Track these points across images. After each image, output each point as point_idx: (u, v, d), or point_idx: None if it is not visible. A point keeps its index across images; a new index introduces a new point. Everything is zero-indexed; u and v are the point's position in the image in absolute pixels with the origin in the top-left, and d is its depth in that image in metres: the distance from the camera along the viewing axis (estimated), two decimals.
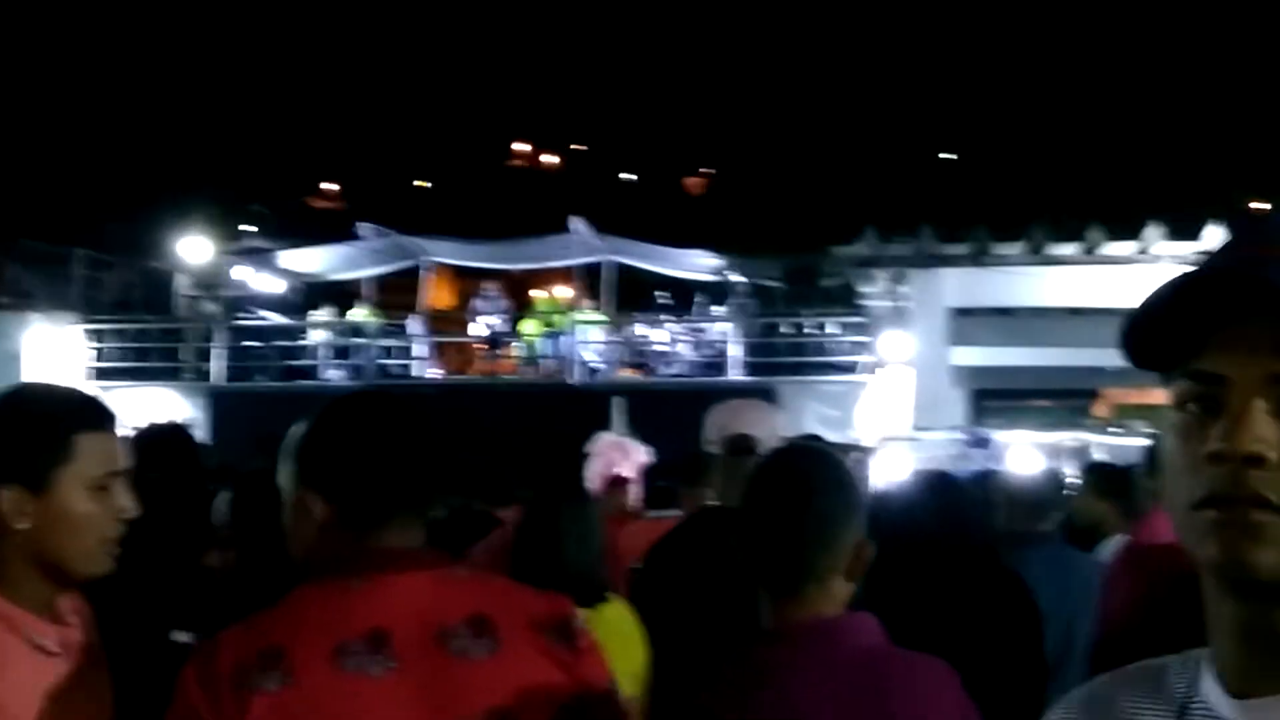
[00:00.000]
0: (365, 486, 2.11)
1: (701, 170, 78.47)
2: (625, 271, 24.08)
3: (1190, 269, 1.08)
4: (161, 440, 4.44)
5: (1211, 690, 1.09)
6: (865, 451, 12.92)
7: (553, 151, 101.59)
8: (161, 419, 19.05)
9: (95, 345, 22.56)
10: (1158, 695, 1.14)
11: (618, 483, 8.23)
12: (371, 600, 2.03)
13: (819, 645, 2.23)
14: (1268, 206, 32.06)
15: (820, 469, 2.41)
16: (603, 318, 22.91)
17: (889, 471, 11.78)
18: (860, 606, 3.12)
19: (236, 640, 2.00)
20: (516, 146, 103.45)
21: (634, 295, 25.29)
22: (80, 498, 2.12)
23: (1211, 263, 1.09)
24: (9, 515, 2.08)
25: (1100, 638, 4.21)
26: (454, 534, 6.11)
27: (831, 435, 8.36)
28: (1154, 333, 1.10)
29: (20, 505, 2.09)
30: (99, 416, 2.21)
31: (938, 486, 4.52)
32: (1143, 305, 1.10)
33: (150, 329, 23.42)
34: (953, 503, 4.48)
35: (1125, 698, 1.17)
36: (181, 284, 25.77)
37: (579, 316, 22.46)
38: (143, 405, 20.38)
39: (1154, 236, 19.08)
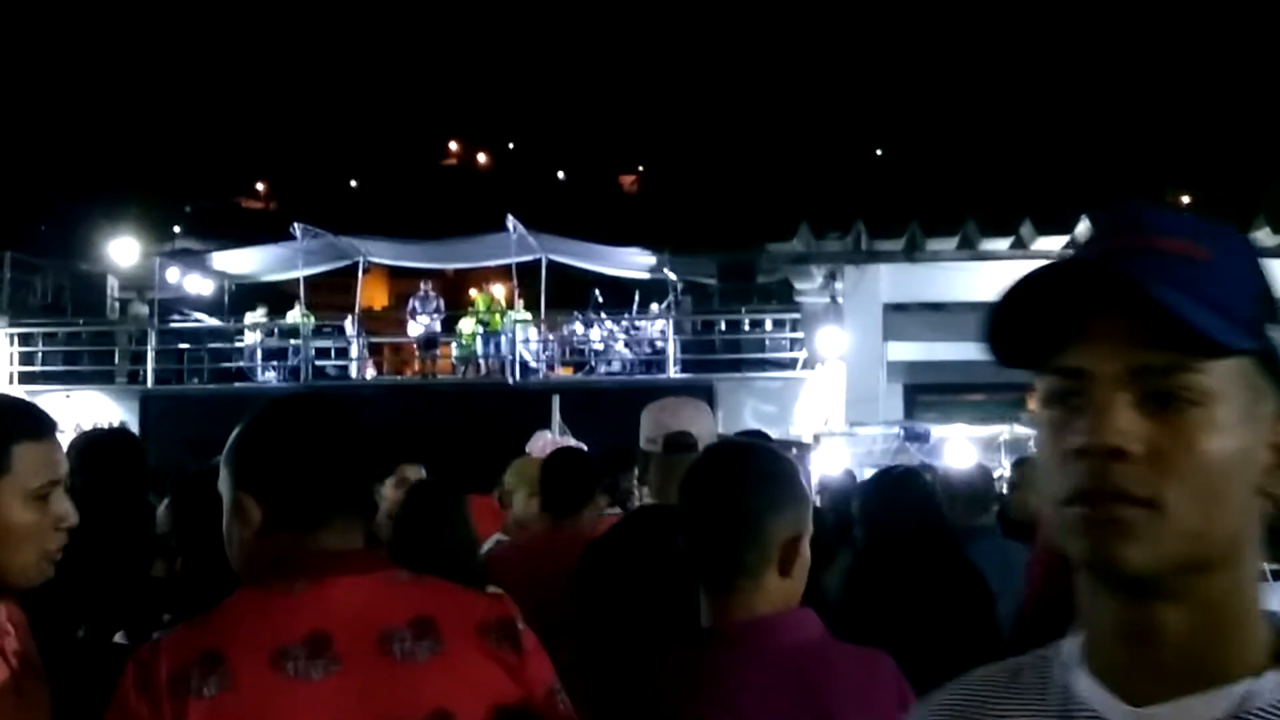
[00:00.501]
0: (301, 487, 2.09)
1: (636, 168, 78.49)
2: (561, 270, 24.06)
3: (1048, 262, 1.07)
4: (106, 445, 4.40)
5: (1094, 693, 1.07)
6: (804, 447, 13.01)
7: (486, 150, 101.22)
8: (103, 423, 18.85)
9: (25, 349, 22.22)
10: (1031, 697, 1.12)
11: None
12: (311, 603, 2.02)
13: (754, 642, 2.24)
14: (1186, 199, 32.56)
15: (752, 464, 2.40)
16: (539, 317, 22.90)
17: (828, 466, 11.87)
18: (848, 595, 3.12)
19: (174, 644, 1.99)
20: (450, 145, 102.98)
21: (570, 294, 25.28)
22: (19, 508, 2.10)
23: (1069, 256, 1.09)
24: None
25: (1015, 623, 4.34)
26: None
27: (770, 431, 8.37)
28: (1015, 330, 1.09)
29: None
30: (37, 426, 2.19)
31: (910, 482, 4.67)
32: (1000, 301, 1.09)
33: (81, 332, 23.09)
34: (926, 497, 4.63)
35: (996, 700, 1.15)
36: (113, 286, 25.48)
37: (515, 316, 22.43)
38: (74, 409, 20.14)
39: (1082, 231, 19.30)
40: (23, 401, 2.30)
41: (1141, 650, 1.04)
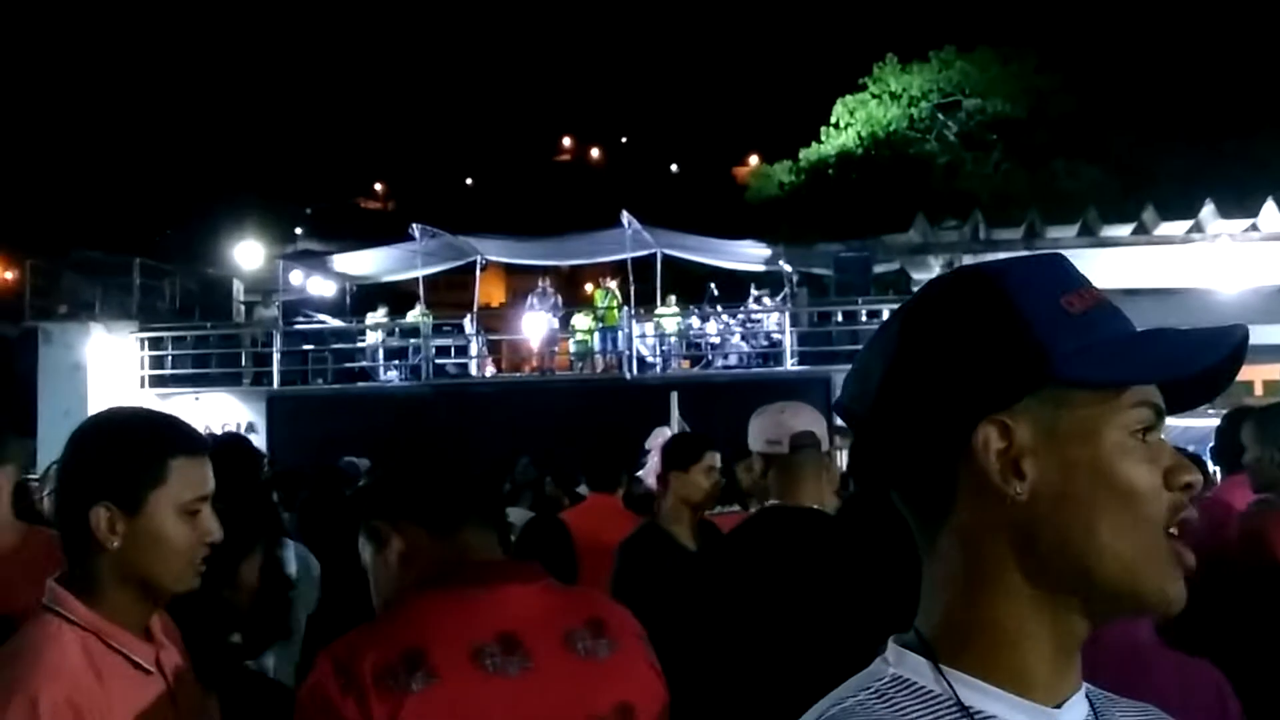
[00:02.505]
0: (453, 503, 2.26)
1: (748, 159, 78.42)
2: (677, 264, 24.09)
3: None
4: (224, 452, 4.49)
5: (1015, 706, 1.10)
6: None
7: (599, 145, 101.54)
8: (230, 425, 19.28)
9: (155, 353, 22.71)
10: (932, 713, 1.12)
11: None
12: (495, 606, 2.14)
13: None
14: None
15: None
16: (657, 311, 22.96)
17: None
18: None
19: (374, 642, 2.07)
20: (563, 141, 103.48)
21: (687, 288, 25.30)
22: (171, 520, 2.17)
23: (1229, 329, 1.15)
24: (102, 534, 2.13)
25: None
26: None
27: None
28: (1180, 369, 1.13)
29: (113, 524, 2.13)
30: (192, 442, 2.26)
31: None
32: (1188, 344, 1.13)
33: (209, 335, 23.56)
34: None
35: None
36: (238, 289, 26.01)
37: (662, 311, 22.53)
38: (203, 411, 20.62)
39: (1208, 215, 18.88)
40: (178, 419, 2.35)
41: (1068, 660, 1.13)
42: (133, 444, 2.20)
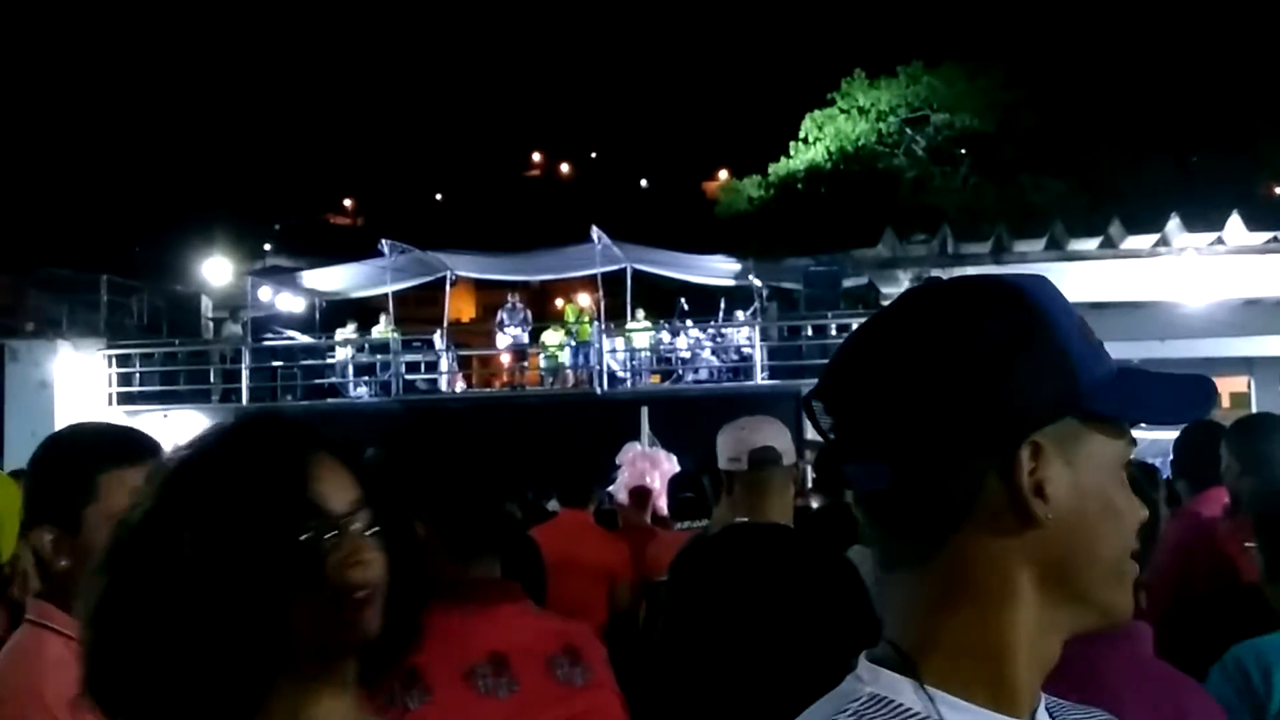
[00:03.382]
0: (468, 517, 2.23)
1: (717, 174, 78.62)
2: (647, 279, 24.14)
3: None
4: None
5: (990, 718, 1.12)
6: None
7: (569, 160, 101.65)
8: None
9: (123, 370, 22.59)
10: None
11: (646, 494, 8.20)
12: (489, 625, 2.15)
13: (1128, 646, 2.32)
14: None
15: None
16: (648, 326, 22.99)
17: None
18: None
19: None
20: (533, 157, 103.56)
21: (656, 302, 25.36)
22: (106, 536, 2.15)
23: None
24: (48, 556, 2.12)
25: None
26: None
27: None
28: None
29: (58, 545, 2.12)
30: (124, 452, 2.20)
31: None
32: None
33: (177, 352, 23.45)
34: None
35: None
36: (207, 306, 25.93)
37: (631, 326, 22.56)
38: (172, 429, 20.50)
39: (1174, 229, 19.04)
40: (113, 428, 2.32)
41: (1043, 674, 1.15)
42: (61, 463, 2.18)
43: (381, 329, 23.28)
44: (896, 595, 1.16)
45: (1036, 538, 1.10)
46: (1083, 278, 19.01)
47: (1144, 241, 19.32)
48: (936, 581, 1.13)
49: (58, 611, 2.12)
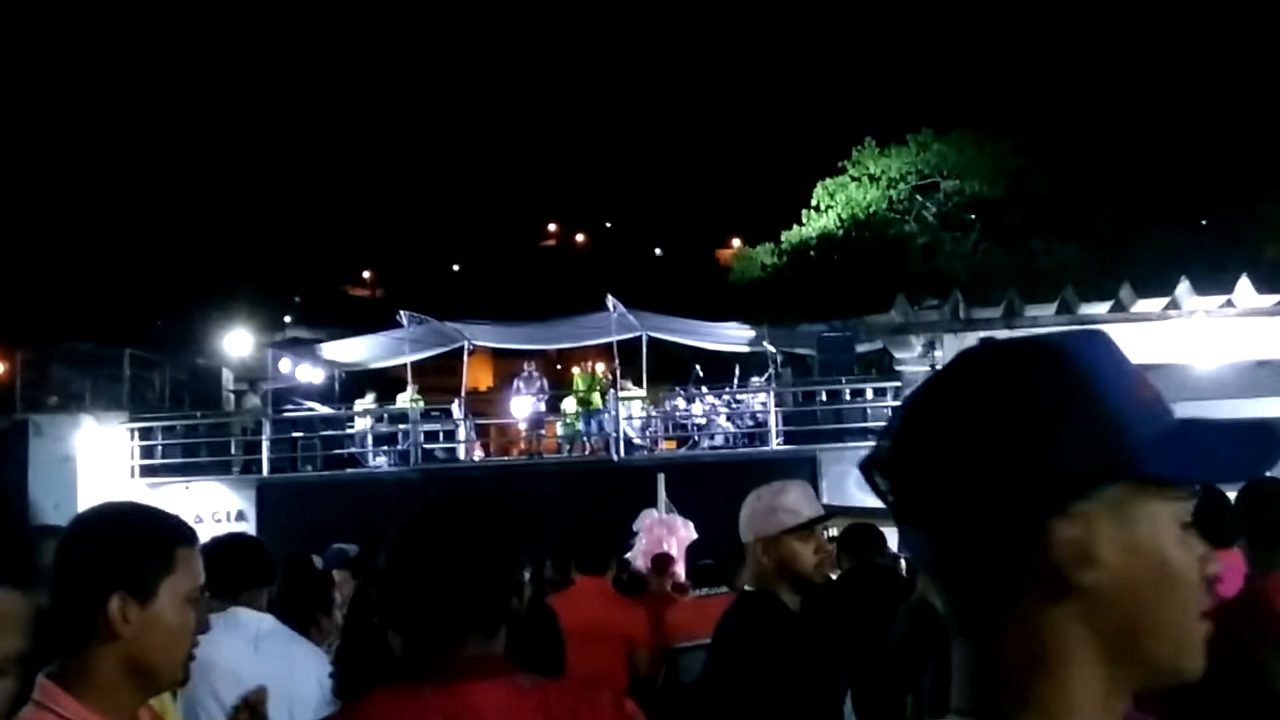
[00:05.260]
0: (437, 621, 2.14)
1: (731, 242, 79.06)
2: (662, 346, 24.32)
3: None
4: (234, 550, 4.50)
5: None
6: None
7: (584, 230, 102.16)
8: (221, 515, 19.22)
9: (145, 443, 22.74)
10: None
11: (667, 560, 8.28)
12: (443, 706, 2.05)
13: None
14: None
15: None
16: (641, 393, 23.12)
17: None
18: None
19: None
20: (549, 227, 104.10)
21: (671, 369, 25.52)
22: (176, 608, 2.25)
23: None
24: (115, 622, 2.19)
25: None
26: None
27: (873, 501, 8.47)
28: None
29: (124, 613, 2.20)
30: (191, 534, 2.37)
31: None
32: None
33: (198, 424, 23.59)
34: None
35: None
36: (228, 378, 26.12)
37: (625, 394, 22.70)
38: (193, 500, 20.64)
39: (1184, 292, 19.15)
40: (172, 513, 2.45)
41: None
42: (143, 534, 2.29)
43: (407, 398, 23.41)
44: (963, 662, 1.15)
45: (1092, 605, 1.09)
46: None
47: (1154, 305, 19.40)
48: (1000, 650, 1.12)
49: (64, 695, 2.16)
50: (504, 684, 2.11)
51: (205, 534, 4.45)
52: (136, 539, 2.27)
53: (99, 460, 21.99)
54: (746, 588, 3.90)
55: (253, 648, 3.99)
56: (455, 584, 2.13)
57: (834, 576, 6.42)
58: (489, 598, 2.16)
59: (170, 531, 2.32)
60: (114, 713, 2.19)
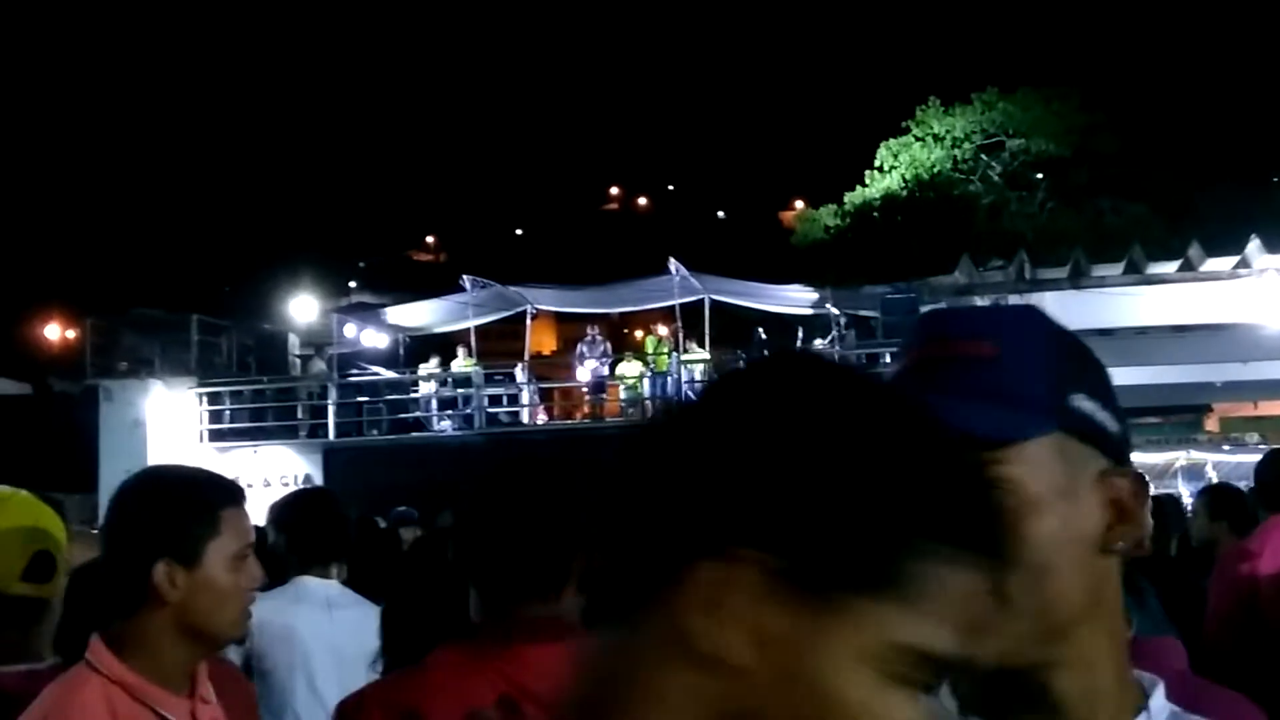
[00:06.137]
0: (509, 575, 2.13)
1: (793, 204, 78.69)
2: (724, 309, 24.26)
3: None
4: (308, 503, 4.60)
5: None
6: None
7: (646, 193, 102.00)
8: (290, 478, 19.43)
9: (213, 408, 23.02)
10: None
11: None
12: (505, 666, 2.03)
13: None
14: None
15: None
16: (705, 356, 23.09)
17: None
18: None
19: (381, 701, 2.11)
20: (611, 190, 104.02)
21: (734, 332, 25.46)
22: (225, 569, 2.27)
23: (897, 370, 1.11)
24: (162, 588, 2.22)
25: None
26: None
27: None
28: None
29: (172, 578, 2.22)
30: (235, 494, 2.38)
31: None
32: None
33: (265, 389, 23.86)
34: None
35: None
36: (294, 343, 26.37)
37: (687, 355, 22.69)
38: (261, 464, 20.89)
39: (1254, 250, 18.88)
40: (215, 472, 2.49)
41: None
42: (186, 499, 2.30)
43: (460, 363, 23.53)
44: None
45: None
46: (1163, 301, 18.88)
47: (1224, 263, 19.16)
48: None
49: (109, 655, 2.20)
50: (565, 646, 2.04)
51: (273, 498, 4.57)
52: (178, 505, 2.28)
53: (168, 425, 22.29)
54: None
55: (327, 615, 4.06)
56: (525, 543, 2.11)
57: None
58: (555, 558, 2.11)
59: (213, 494, 2.33)
60: (164, 673, 2.23)
